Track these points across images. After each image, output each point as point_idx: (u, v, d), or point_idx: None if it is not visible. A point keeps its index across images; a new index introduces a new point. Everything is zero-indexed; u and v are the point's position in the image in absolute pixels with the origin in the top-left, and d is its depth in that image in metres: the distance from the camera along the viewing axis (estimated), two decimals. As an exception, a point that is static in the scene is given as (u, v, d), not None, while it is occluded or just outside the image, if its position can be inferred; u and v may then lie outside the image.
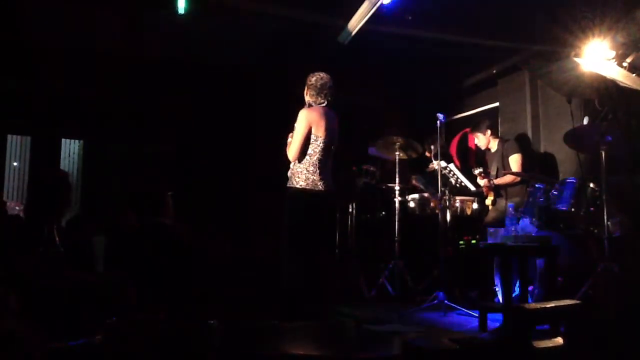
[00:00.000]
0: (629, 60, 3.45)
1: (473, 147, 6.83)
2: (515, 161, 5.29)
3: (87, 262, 4.09)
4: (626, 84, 3.09)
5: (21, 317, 2.21)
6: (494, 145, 5.57)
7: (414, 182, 6.02)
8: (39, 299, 2.72)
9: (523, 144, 5.62)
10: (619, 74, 3.23)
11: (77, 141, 7.72)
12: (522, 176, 5.07)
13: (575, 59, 3.75)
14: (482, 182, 5.27)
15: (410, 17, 5.26)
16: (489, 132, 5.57)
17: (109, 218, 4.38)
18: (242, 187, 6.82)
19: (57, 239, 3.26)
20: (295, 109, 4.17)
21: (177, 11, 4.93)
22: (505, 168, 5.33)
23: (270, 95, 6.47)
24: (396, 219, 5.40)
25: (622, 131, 3.90)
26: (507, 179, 5.22)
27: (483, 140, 5.59)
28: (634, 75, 3.23)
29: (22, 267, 2.89)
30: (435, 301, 4.50)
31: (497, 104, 6.67)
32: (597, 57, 3.92)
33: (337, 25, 5.50)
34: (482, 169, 5.23)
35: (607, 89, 3.24)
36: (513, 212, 4.16)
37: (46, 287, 2.86)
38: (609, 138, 4.16)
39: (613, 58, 3.80)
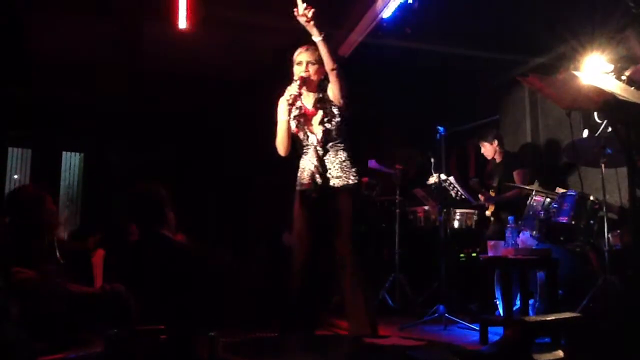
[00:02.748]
0: (627, 73, 3.47)
1: (473, 159, 6.84)
2: (519, 176, 5.29)
3: (88, 275, 4.09)
4: (625, 97, 3.10)
5: (21, 327, 2.21)
6: (499, 156, 5.57)
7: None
8: (39, 311, 2.72)
9: (527, 158, 5.62)
10: (618, 87, 3.24)
11: (77, 154, 7.75)
12: (525, 189, 5.07)
13: (574, 72, 3.77)
14: (483, 198, 5.30)
15: (409, 31, 5.30)
16: (496, 142, 5.55)
17: (110, 231, 4.38)
18: (242, 198, 6.83)
19: (57, 251, 3.26)
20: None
21: (177, 25, 4.97)
22: (507, 180, 5.33)
23: (270, 108, 6.51)
24: (397, 232, 5.39)
25: (621, 144, 3.91)
26: (510, 195, 5.24)
27: (490, 150, 5.58)
28: (632, 88, 3.24)
29: (22, 279, 2.89)
30: (436, 314, 4.49)
31: (496, 116, 6.70)
32: (595, 70, 3.94)
33: (338, 38, 5.54)
34: (477, 179, 5.25)
35: (606, 102, 3.25)
36: (513, 225, 4.16)
37: (46, 299, 2.85)
38: (609, 151, 4.18)
39: (612, 71, 3.82)
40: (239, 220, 6.69)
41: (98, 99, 6.69)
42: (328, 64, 3.29)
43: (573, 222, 4.35)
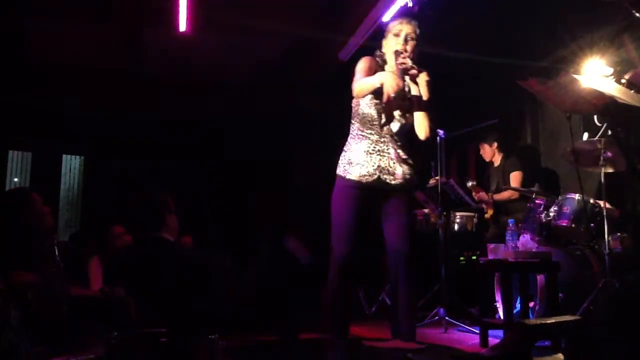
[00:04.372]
0: (627, 76, 3.48)
1: (472, 162, 6.84)
2: (515, 178, 5.30)
3: (87, 278, 4.09)
4: (624, 100, 3.11)
5: (21, 331, 2.21)
6: (497, 159, 5.57)
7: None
8: (39, 314, 2.72)
9: (525, 161, 5.62)
10: (617, 91, 3.25)
11: (77, 157, 7.75)
12: (522, 192, 5.07)
13: (574, 76, 3.78)
14: (477, 195, 5.29)
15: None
16: (495, 144, 5.57)
17: (106, 236, 4.39)
18: (242, 200, 6.82)
19: (57, 254, 3.26)
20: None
21: (177, 29, 4.98)
22: (505, 184, 5.34)
23: (270, 112, 6.52)
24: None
25: (620, 147, 3.91)
26: (506, 194, 5.23)
27: (489, 151, 5.59)
28: (632, 91, 3.25)
29: (22, 282, 2.89)
30: (436, 317, 4.49)
31: (496, 120, 6.68)
32: (595, 73, 3.95)
33: (338, 42, 5.55)
34: (475, 182, 5.25)
35: (606, 105, 3.26)
36: (513, 228, 4.16)
37: (46, 302, 2.85)
38: (608, 154, 4.19)
39: (611, 74, 3.84)
40: (240, 223, 6.68)
41: (98, 102, 6.69)
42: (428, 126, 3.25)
43: (573, 225, 4.36)
